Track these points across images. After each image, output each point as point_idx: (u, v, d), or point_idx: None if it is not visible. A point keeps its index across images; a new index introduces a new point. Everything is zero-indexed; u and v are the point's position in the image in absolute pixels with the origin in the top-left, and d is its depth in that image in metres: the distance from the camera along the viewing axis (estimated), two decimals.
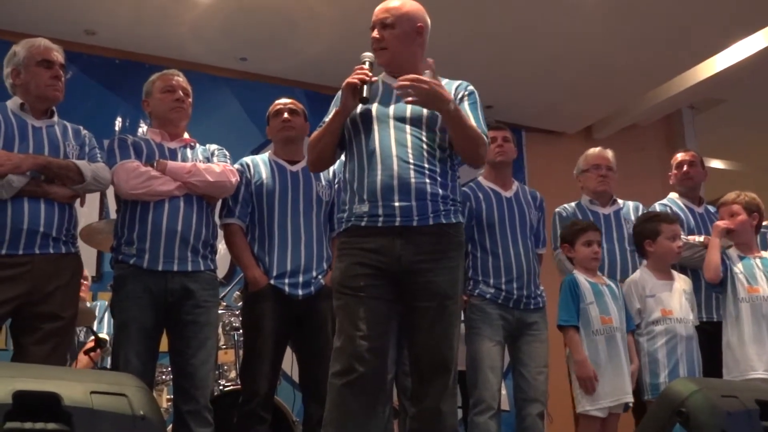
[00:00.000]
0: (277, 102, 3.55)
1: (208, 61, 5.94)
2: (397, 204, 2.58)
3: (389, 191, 2.59)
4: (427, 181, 2.63)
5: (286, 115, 3.46)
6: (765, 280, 3.52)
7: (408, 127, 2.67)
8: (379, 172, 2.61)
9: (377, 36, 2.76)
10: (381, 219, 2.59)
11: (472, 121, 2.69)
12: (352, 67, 2.68)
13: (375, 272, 2.56)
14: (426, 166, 2.64)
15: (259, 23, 5.44)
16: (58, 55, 3.04)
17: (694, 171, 4.18)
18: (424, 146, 2.66)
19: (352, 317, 2.54)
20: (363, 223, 2.60)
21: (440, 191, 2.65)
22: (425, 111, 2.69)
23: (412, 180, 2.60)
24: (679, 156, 4.26)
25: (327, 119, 2.75)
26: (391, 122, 2.67)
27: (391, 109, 2.70)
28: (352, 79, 2.61)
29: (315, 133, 2.77)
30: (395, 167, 2.60)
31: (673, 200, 4.16)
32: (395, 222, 2.58)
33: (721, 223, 3.62)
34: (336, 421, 2.50)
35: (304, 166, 3.45)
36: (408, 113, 2.68)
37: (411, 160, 2.62)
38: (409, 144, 2.64)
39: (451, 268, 2.64)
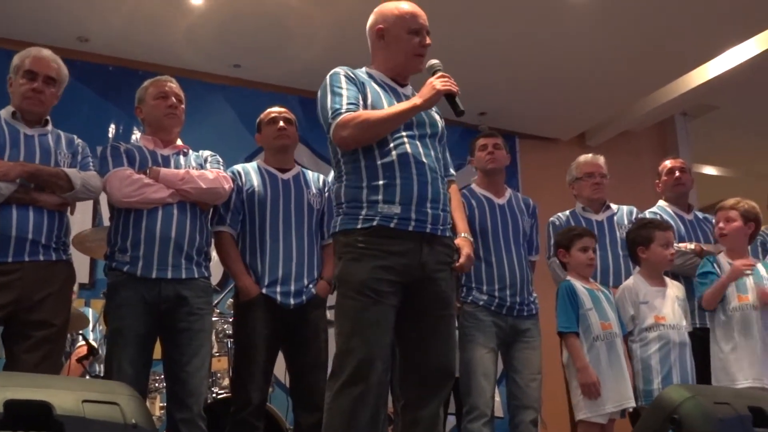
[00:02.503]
0: (270, 110, 3.55)
1: (201, 68, 5.94)
2: (429, 211, 2.59)
3: (423, 197, 2.58)
4: (447, 192, 2.71)
5: (281, 123, 3.46)
6: (754, 289, 3.51)
7: (428, 136, 2.69)
8: (414, 177, 2.58)
9: (430, 43, 2.75)
10: (413, 223, 2.56)
11: (448, 156, 2.88)
12: (432, 72, 2.68)
13: (396, 278, 2.53)
14: (444, 177, 2.72)
15: (252, 30, 5.44)
16: (47, 67, 3.01)
17: (685, 177, 4.20)
18: (440, 158, 2.73)
19: (370, 320, 2.49)
20: (392, 225, 2.54)
21: (449, 204, 2.71)
22: (440, 125, 2.75)
23: (441, 189, 2.65)
24: (669, 163, 4.27)
25: (395, 108, 2.62)
26: (416, 129, 2.67)
27: (414, 117, 2.67)
28: (453, 87, 2.60)
29: (376, 114, 2.59)
30: (429, 174, 2.61)
31: (662, 208, 4.16)
32: (426, 228, 2.58)
33: (740, 264, 3.49)
34: (341, 430, 2.45)
35: (294, 174, 3.46)
36: (427, 124, 2.71)
37: (437, 170, 2.66)
38: (433, 153, 2.68)
39: (453, 279, 2.71)
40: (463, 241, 2.72)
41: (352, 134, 2.56)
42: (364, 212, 2.57)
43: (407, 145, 2.61)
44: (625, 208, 4.07)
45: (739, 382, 3.36)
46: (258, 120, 3.57)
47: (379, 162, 2.59)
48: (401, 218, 2.54)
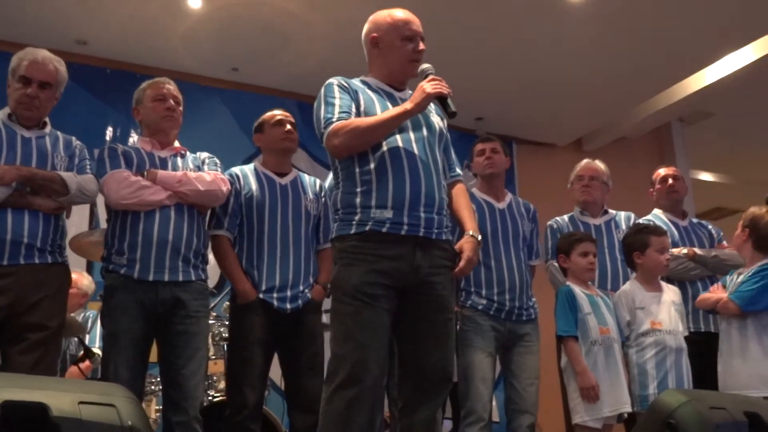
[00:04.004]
0: (275, 112, 3.54)
1: (199, 72, 5.95)
2: (423, 215, 2.58)
3: (416, 201, 2.58)
4: (444, 196, 2.68)
5: (289, 127, 3.47)
6: None
7: (426, 139, 2.69)
8: (407, 181, 2.58)
9: (424, 48, 2.76)
10: (405, 227, 2.56)
11: (453, 156, 2.88)
12: (423, 75, 2.68)
13: (390, 282, 2.54)
14: (442, 181, 2.70)
15: (250, 34, 5.46)
16: (45, 71, 2.99)
17: (679, 185, 4.22)
18: (439, 161, 2.72)
19: (364, 325, 2.50)
20: (384, 229, 2.55)
21: (447, 209, 2.70)
22: (437, 126, 2.75)
23: (436, 193, 2.63)
24: (662, 171, 4.29)
25: (386, 114, 2.62)
26: (411, 133, 2.66)
27: (410, 121, 2.67)
28: (443, 89, 2.60)
29: (367, 121, 2.61)
30: (423, 178, 2.60)
31: (657, 215, 4.18)
32: (419, 232, 2.57)
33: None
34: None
35: (292, 178, 3.47)
36: (423, 125, 2.71)
37: (433, 173, 2.65)
38: (430, 157, 2.67)
39: (452, 283, 2.69)
40: (468, 242, 2.68)
41: (344, 142, 2.59)
42: (357, 218, 2.59)
43: (401, 150, 2.62)
44: (623, 214, 4.09)
45: (749, 390, 3.33)
46: (260, 121, 3.55)
47: (372, 166, 2.61)
48: (393, 223, 2.55)
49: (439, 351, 2.60)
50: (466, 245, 2.67)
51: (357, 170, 2.63)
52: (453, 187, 2.84)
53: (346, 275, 2.56)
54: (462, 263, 2.65)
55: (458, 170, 2.89)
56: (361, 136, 2.60)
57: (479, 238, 2.72)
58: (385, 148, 2.61)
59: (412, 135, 2.66)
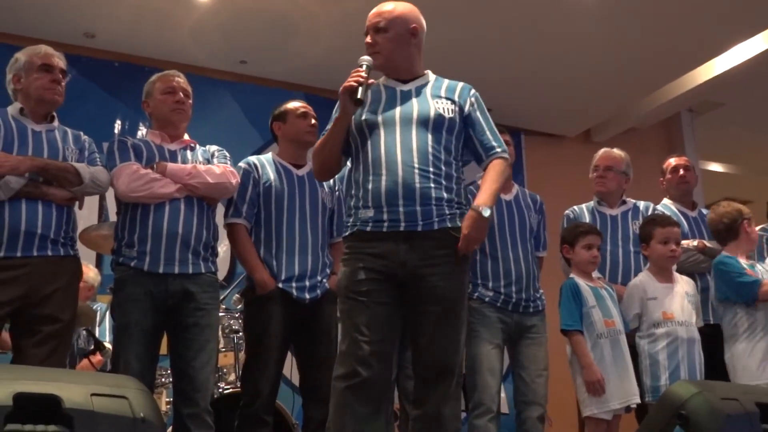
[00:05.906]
0: (298, 104, 3.52)
1: (207, 64, 5.95)
2: (401, 209, 2.59)
3: (393, 197, 2.59)
4: (432, 185, 2.63)
5: (313, 121, 3.48)
6: None
7: (414, 130, 2.67)
8: (383, 178, 2.61)
9: (370, 41, 2.76)
10: (386, 224, 2.59)
11: (489, 134, 2.77)
12: (352, 69, 2.68)
13: (379, 277, 2.57)
14: (431, 169, 2.64)
15: (258, 27, 5.45)
16: (59, 61, 3.07)
17: (690, 175, 4.20)
18: (430, 149, 2.66)
19: (357, 322, 2.55)
20: (368, 228, 2.61)
21: (445, 195, 2.65)
22: (432, 113, 2.70)
23: (417, 185, 2.60)
24: (673, 161, 4.26)
25: (329, 127, 2.76)
26: (397, 126, 2.67)
27: (397, 113, 2.69)
28: (348, 82, 2.62)
29: (319, 141, 2.79)
30: (400, 172, 2.60)
31: (666, 206, 4.15)
32: (400, 227, 2.59)
33: None
34: (339, 424, 2.50)
35: (308, 170, 3.46)
36: (414, 115, 2.69)
37: (416, 165, 2.62)
38: (415, 147, 2.64)
39: (457, 272, 2.64)
40: (467, 218, 2.60)
41: (313, 167, 2.88)
42: (351, 220, 2.69)
43: (381, 147, 2.65)
44: (642, 204, 4.02)
45: (760, 381, 3.33)
46: (282, 110, 3.51)
47: (360, 167, 2.70)
48: (374, 221, 2.61)
49: (437, 343, 2.59)
50: (465, 221, 2.61)
51: (352, 173, 2.75)
52: (491, 163, 2.76)
53: (341, 276, 2.67)
54: (460, 243, 2.60)
55: (497, 149, 2.76)
56: (317, 158, 2.81)
57: (485, 214, 2.60)
58: (369, 148, 2.67)
59: (396, 128, 2.67)
